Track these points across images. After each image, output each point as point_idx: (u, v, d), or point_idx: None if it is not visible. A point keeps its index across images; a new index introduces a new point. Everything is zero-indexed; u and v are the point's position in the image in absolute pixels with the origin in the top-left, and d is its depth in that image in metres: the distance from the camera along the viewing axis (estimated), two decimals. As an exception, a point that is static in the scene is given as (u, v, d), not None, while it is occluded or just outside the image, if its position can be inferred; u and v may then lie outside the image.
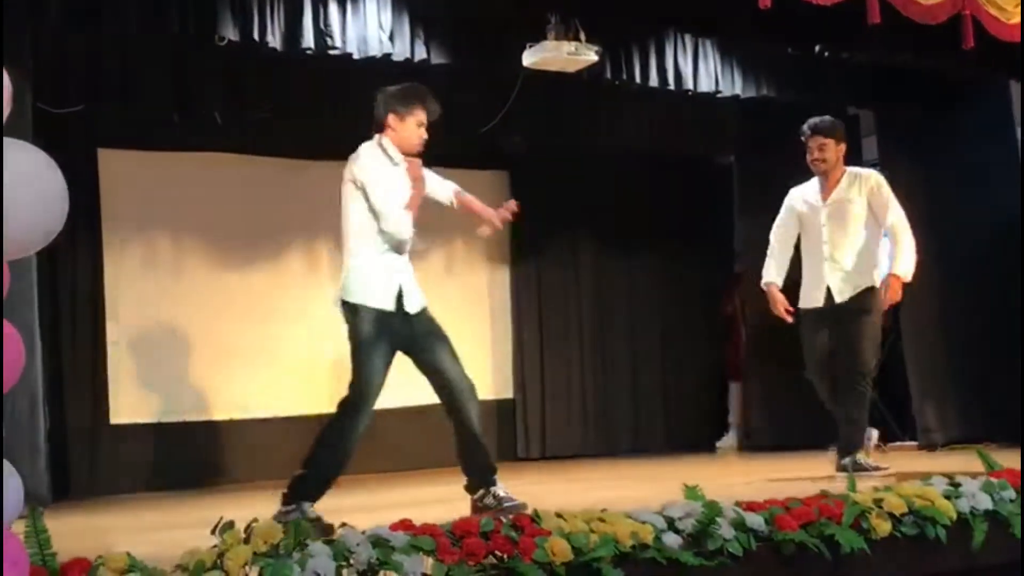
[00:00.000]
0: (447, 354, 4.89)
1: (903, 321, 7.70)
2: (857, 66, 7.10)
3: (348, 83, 6.57)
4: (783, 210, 6.18)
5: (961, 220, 7.57)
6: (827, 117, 6.09)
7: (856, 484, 4.10)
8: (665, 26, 6.33)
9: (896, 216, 5.98)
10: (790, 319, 6.02)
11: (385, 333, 4.71)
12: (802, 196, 6.12)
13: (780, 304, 6.03)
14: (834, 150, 5.99)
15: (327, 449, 4.72)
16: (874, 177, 6.09)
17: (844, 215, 5.98)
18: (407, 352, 4.85)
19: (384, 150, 4.83)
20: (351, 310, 4.72)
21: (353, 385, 4.74)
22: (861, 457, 5.87)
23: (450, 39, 6.20)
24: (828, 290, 5.96)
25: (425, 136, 4.82)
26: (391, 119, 4.80)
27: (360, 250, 4.79)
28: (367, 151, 4.80)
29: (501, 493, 4.78)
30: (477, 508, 4.74)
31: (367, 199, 4.72)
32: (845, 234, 5.97)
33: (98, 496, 6.80)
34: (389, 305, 4.73)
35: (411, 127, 4.80)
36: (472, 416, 4.85)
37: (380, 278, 4.77)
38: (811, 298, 6.03)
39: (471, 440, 4.84)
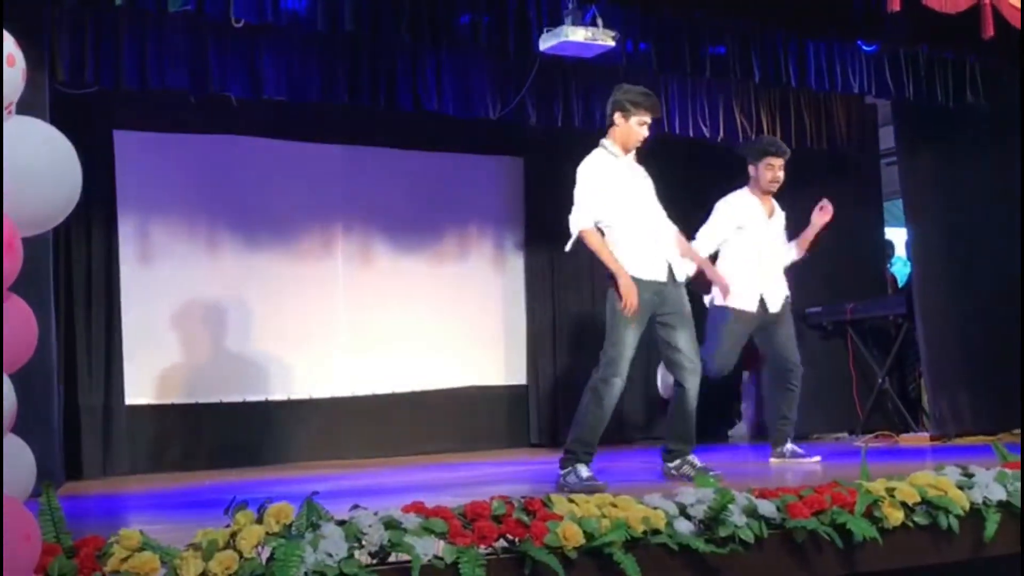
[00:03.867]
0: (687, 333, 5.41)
1: (918, 312, 7.68)
2: (875, 55, 7.07)
3: (362, 66, 6.57)
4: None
5: (977, 211, 7.54)
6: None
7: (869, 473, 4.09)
8: (688, 12, 6.29)
9: None
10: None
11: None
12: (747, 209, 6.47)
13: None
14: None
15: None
16: None
17: (781, 232, 6.57)
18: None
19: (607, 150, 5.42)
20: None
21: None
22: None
23: (466, 22, 6.17)
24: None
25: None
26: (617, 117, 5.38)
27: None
28: None
29: (699, 463, 5.32)
30: (671, 475, 5.34)
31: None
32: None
33: (111, 476, 6.84)
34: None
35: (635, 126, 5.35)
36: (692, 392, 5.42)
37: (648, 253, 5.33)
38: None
39: (684, 413, 5.38)
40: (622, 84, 5.48)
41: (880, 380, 8.20)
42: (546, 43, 6.00)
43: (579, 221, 5.26)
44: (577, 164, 5.36)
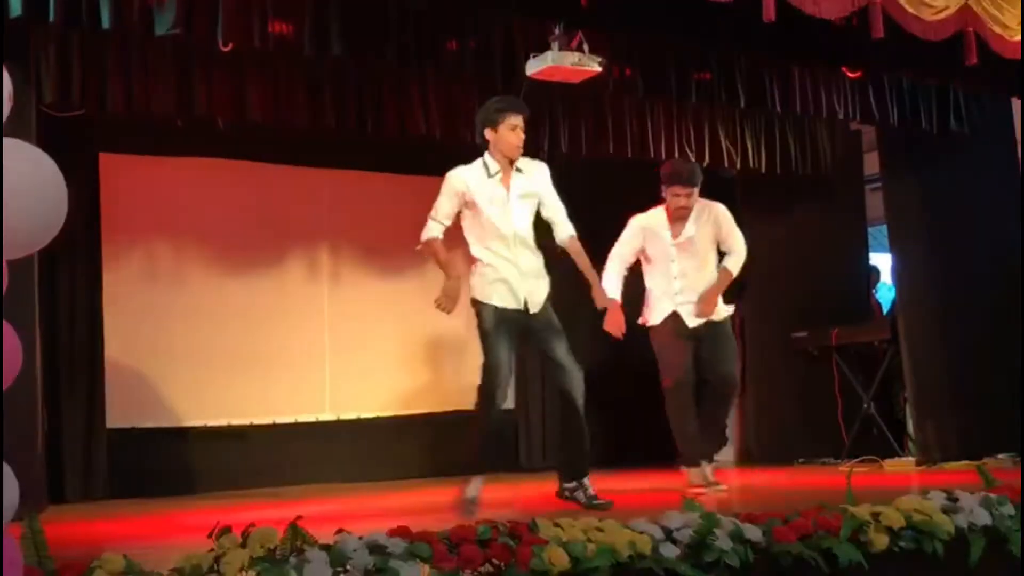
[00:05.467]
0: (563, 346, 5.37)
1: (903, 337, 7.70)
2: (860, 81, 7.12)
3: (349, 90, 6.57)
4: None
5: (962, 235, 7.57)
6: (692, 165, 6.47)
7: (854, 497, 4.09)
8: (673, 38, 6.32)
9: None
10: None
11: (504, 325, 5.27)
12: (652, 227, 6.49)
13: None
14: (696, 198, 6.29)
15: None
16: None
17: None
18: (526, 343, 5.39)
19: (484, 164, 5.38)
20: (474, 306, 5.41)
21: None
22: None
23: (452, 47, 6.19)
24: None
25: (522, 137, 5.34)
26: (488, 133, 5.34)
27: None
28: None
29: (591, 491, 5.13)
30: (564, 498, 5.14)
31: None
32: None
33: (94, 499, 6.79)
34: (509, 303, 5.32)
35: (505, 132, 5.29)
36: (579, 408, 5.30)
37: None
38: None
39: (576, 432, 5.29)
40: (484, 104, 5.46)
41: (865, 405, 8.21)
42: (533, 68, 6.02)
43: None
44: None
